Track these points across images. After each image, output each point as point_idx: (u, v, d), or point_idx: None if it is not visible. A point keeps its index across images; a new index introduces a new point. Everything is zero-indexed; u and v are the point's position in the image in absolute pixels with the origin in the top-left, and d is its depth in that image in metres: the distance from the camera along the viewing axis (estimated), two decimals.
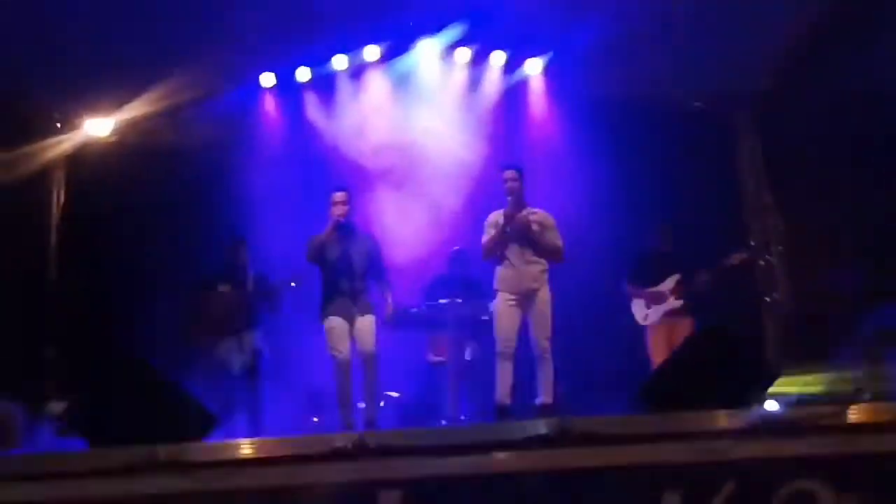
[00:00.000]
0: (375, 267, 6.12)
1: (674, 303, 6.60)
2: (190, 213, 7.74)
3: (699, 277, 6.50)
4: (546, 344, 5.75)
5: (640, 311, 6.72)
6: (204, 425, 4.11)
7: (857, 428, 3.53)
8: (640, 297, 6.74)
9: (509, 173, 5.99)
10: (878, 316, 6.06)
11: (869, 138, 6.23)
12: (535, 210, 6.04)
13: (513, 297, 5.84)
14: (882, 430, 3.48)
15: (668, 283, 6.64)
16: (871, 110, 6.51)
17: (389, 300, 6.06)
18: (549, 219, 6.03)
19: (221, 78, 7.84)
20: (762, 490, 3.35)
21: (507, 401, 5.74)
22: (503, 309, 5.84)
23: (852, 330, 6.35)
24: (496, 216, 6.00)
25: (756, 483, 3.35)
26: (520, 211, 5.93)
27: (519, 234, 5.89)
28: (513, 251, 5.89)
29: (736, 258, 6.56)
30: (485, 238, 6.01)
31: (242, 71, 7.89)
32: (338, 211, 5.97)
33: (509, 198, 5.93)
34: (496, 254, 5.96)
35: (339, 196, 6.01)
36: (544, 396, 5.67)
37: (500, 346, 5.79)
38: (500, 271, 5.93)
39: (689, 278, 6.55)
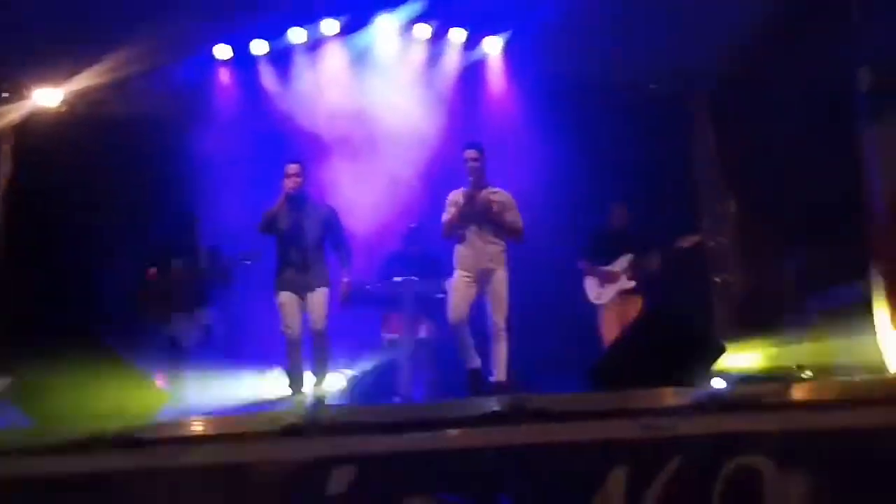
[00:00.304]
0: (335, 237, 6.06)
1: (626, 282, 6.68)
2: (142, 186, 7.58)
3: (651, 258, 6.58)
4: (502, 323, 5.79)
5: (594, 290, 6.80)
6: (158, 402, 4.08)
7: (800, 405, 3.63)
8: (593, 275, 6.80)
9: (470, 152, 5.97)
10: (823, 296, 6.21)
11: (820, 124, 6.34)
12: (496, 189, 6.05)
13: (469, 275, 5.86)
14: (824, 407, 3.58)
15: (622, 263, 6.72)
16: (823, 97, 6.63)
17: (347, 277, 6.02)
18: (509, 199, 6.04)
19: (175, 49, 7.67)
20: (708, 465, 3.43)
21: (477, 363, 5.77)
22: (458, 285, 5.87)
23: (798, 309, 6.51)
24: (456, 195, 5.99)
25: (701, 459, 3.43)
26: (480, 191, 5.94)
27: (479, 214, 5.90)
28: (472, 230, 5.90)
29: (687, 240, 6.65)
30: (445, 216, 6.01)
31: (197, 43, 7.72)
32: (290, 183, 5.90)
33: (470, 178, 5.93)
34: (456, 232, 5.97)
35: (291, 168, 5.94)
36: (498, 374, 5.71)
37: (451, 317, 5.81)
38: (459, 249, 5.94)
39: (642, 259, 6.63)
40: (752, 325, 7.56)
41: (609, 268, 6.75)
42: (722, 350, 4.35)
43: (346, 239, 6.14)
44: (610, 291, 6.71)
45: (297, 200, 5.95)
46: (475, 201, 5.87)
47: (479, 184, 5.96)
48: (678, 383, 3.72)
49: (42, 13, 6.61)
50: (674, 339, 4.04)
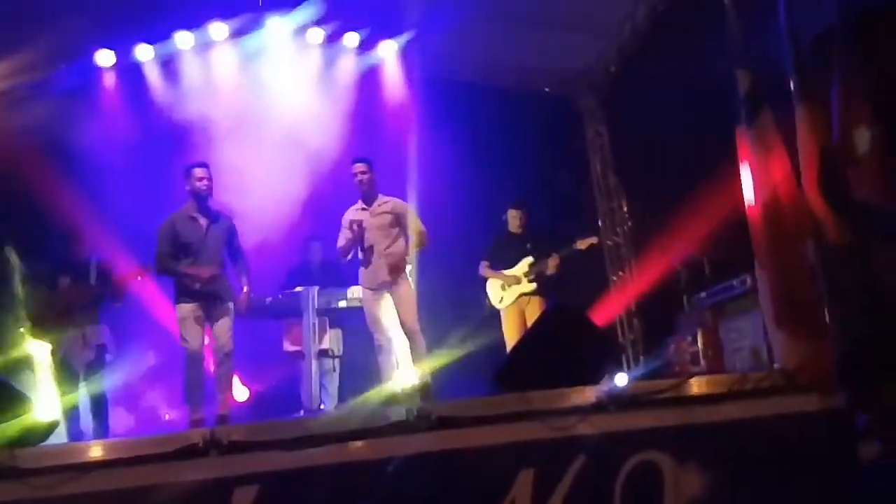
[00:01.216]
0: (234, 247, 5.91)
1: (526, 285, 6.76)
2: (26, 197, 7.21)
3: (550, 261, 6.68)
4: (415, 325, 5.79)
5: (496, 294, 6.86)
6: (42, 431, 3.86)
7: (695, 399, 3.75)
8: (495, 279, 6.87)
9: (358, 166, 5.99)
10: (713, 291, 6.45)
11: (704, 124, 6.57)
12: (388, 199, 6.04)
13: (373, 291, 5.87)
14: (716, 400, 3.72)
15: (522, 266, 6.81)
16: (708, 98, 6.85)
17: (246, 288, 5.88)
18: (402, 205, 6.05)
19: (56, 56, 7.34)
20: (610, 463, 3.50)
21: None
22: (367, 304, 5.94)
23: (690, 304, 6.74)
24: (349, 215, 6.01)
25: (604, 457, 3.51)
26: (370, 205, 5.94)
27: (373, 229, 5.90)
28: (369, 247, 5.90)
29: (584, 242, 6.77)
30: (340, 241, 6.06)
31: (78, 49, 7.41)
32: (201, 185, 5.72)
33: (360, 192, 6.01)
34: (352, 254, 6.01)
35: (199, 171, 5.76)
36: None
37: (375, 340, 5.86)
38: (361, 269, 5.98)
39: (541, 262, 6.73)
40: (650, 323, 7.82)
41: (510, 271, 6.83)
42: (620, 349, 4.46)
43: (243, 254, 5.99)
44: (511, 295, 6.79)
45: (205, 205, 5.77)
46: (362, 223, 5.90)
47: (370, 196, 5.96)
48: (580, 382, 3.78)
49: None
50: (574, 337, 4.11)
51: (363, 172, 5.98)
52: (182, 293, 5.69)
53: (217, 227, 5.81)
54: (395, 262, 5.88)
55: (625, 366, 7.55)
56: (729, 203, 4.40)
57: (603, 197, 8.84)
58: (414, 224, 5.98)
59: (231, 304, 5.77)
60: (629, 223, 8.61)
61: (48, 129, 7.35)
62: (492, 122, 7.96)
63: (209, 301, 5.68)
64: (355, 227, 5.93)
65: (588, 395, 3.73)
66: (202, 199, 5.77)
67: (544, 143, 8.16)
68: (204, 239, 5.73)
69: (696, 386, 3.81)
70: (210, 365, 5.84)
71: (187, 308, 5.66)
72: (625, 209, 8.68)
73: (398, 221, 5.97)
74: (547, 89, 8.83)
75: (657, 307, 7.52)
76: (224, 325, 5.71)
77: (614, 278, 8.56)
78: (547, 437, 3.62)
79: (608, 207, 8.80)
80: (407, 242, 5.96)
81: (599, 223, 8.66)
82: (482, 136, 7.84)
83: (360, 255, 6.01)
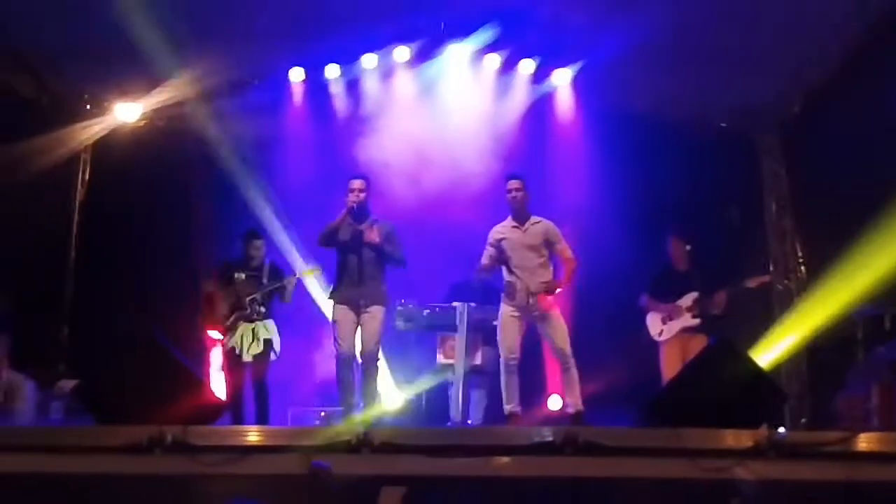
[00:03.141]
0: (394, 249, 5.98)
1: (690, 320, 6.54)
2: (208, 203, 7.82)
3: (717, 298, 6.45)
4: (568, 350, 5.71)
5: (656, 327, 6.67)
6: (213, 410, 4.14)
7: (864, 456, 3.51)
8: (656, 311, 6.69)
9: (512, 183, 5.92)
10: (893, 346, 6.01)
11: (893, 170, 6.18)
12: (540, 219, 5.92)
13: (514, 309, 5.80)
14: (888, 459, 3.46)
15: (686, 301, 6.59)
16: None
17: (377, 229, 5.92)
18: (554, 228, 5.93)
19: (251, 70, 7.91)
20: None
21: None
22: (506, 323, 5.83)
23: (867, 358, 6.30)
24: (498, 232, 5.94)
25: None
26: (522, 224, 5.89)
27: (522, 249, 5.84)
28: (516, 266, 5.82)
29: (756, 280, 6.50)
30: (484, 258, 5.95)
31: (272, 64, 7.94)
32: (353, 197, 5.91)
33: (512, 209, 5.92)
34: (493, 272, 5.96)
35: (356, 183, 5.96)
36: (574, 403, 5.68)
37: (507, 360, 5.77)
38: (506, 288, 5.89)
39: (707, 297, 6.50)
40: (818, 371, 7.36)
41: (673, 304, 6.62)
42: (784, 397, 4.24)
43: (403, 252, 6.05)
44: (673, 328, 6.58)
45: (360, 215, 6.01)
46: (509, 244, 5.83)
47: (522, 215, 5.92)
48: (738, 425, 3.63)
49: (123, 29, 6.82)
50: (736, 377, 3.94)
51: (517, 189, 5.91)
52: (336, 294, 5.92)
53: (376, 225, 5.96)
54: (543, 285, 5.81)
55: (787, 415, 7.15)
56: None
57: (776, 239, 8.43)
58: (562, 246, 5.90)
59: (382, 308, 5.93)
60: (803, 268, 8.17)
61: (236, 138, 7.96)
62: (662, 155, 7.81)
63: (361, 304, 5.84)
64: (502, 244, 5.87)
65: (746, 438, 3.58)
66: (356, 210, 5.94)
67: (716, 178, 7.91)
68: (353, 244, 5.90)
69: (867, 442, 3.57)
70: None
71: (341, 310, 5.87)
72: (799, 253, 8.25)
73: (548, 244, 5.91)
74: (724, 124, 8.56)
75: (828, 358, 7.07)
76: (372, 329, 5.84)
77: (783, 324, 8.12)
78: (697, 476, 3.50)
79: (781, 250, 8.38)
80: (554, 266, 5.89)
81: (770, 266, 8.26)
82: (651, 168, 7.70)
83: (505, 274, 5.91)
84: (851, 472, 3.47)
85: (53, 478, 3.55)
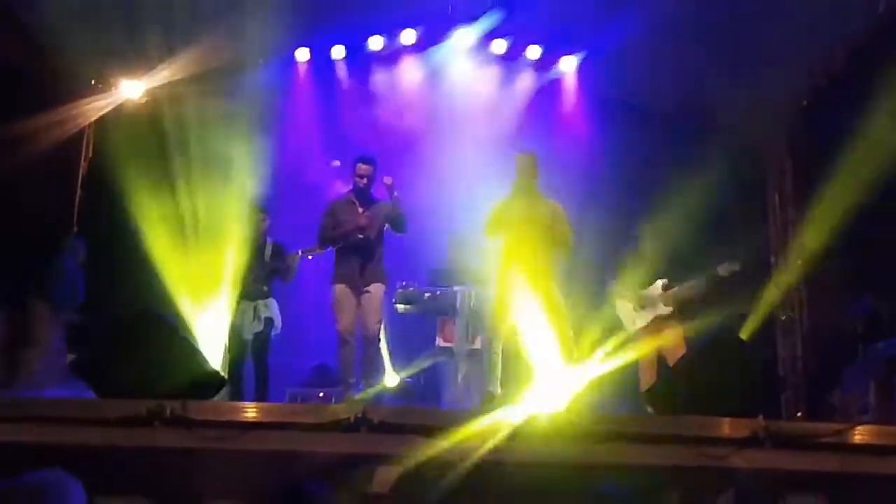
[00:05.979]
0: (397, 219, 6.01)
1: (663, 308, 6.40)
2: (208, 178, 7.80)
3: (687, 284, 6.32)
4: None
5: (628, 316, 6.53)
6: (213, 385, 4.15)
7: (860, 448, 3.53)
8: (626, 298, 6.53)
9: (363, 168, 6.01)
10: (892, 343, 6.01)
11: None
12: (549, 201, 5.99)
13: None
14: (883, 452, 3.48)
15: (656, 288, 6.45)
16: None
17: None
18: (560, 208, 5.98)
19: (257, 50, 7.88)
20: (760, 500, 3.37)
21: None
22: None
23: (866, 354, 6.31)
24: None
25: (755, 493, 3.37)
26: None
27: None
28: None
29: (724, 268, 6.35)
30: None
31: (278, 45, 7.91)
32: (359, 182, 6.01)
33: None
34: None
35: (362, 168, 6.04)
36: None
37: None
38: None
39: (678, 284, 6.36)
40: (817, 366, 7.37)
41: (644, 292, 6.47)
42: (782, 385, 4.25)
43: (406, 220, 6.07)
44: (645, 317, 6.43)
45: (365, 198, 6.03)
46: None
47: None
48: (736, 413, 3.64)
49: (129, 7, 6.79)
50: (735, 366, 3.95)
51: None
52: (338, 275, 5.95)
53: (376, 209, 6.02)
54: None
55: (784, 408, 7.15)
56: None
57: (778, 231, 8.42)
58: (563, 226, 5.88)
59: (383, 286, 5.94)
60: (803, 262, 8.14)
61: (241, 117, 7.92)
62: (661, 145, 7.79)
63: (362, 283, 5.87)
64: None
65: (744, 427, 3.59)
66: (362, 190, 6.02)
67: (720, 168, 7.88)
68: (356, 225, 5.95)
69: (862, 434, 3.58)
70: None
71: (341, 289, 5.90)
72: (801, 247, 8.22)
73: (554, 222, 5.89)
74: (725, 117, 8.52)
75: (827, 352, 7.08)
76: (372, 308, 5.88)
77: (783, 317, 8.13)
78: (696, 464, 3.52)
79: (782, 242, 8.37)
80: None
81: (772, 258, 8.26)
82: (647, 156, 7.68)
83: None
84: (846, 464, 3.49)
85: (53, 448, 3.57)
